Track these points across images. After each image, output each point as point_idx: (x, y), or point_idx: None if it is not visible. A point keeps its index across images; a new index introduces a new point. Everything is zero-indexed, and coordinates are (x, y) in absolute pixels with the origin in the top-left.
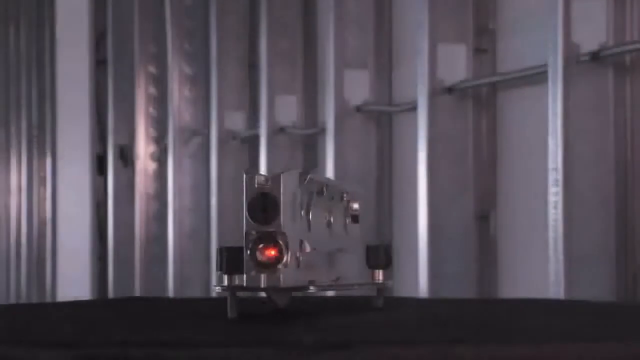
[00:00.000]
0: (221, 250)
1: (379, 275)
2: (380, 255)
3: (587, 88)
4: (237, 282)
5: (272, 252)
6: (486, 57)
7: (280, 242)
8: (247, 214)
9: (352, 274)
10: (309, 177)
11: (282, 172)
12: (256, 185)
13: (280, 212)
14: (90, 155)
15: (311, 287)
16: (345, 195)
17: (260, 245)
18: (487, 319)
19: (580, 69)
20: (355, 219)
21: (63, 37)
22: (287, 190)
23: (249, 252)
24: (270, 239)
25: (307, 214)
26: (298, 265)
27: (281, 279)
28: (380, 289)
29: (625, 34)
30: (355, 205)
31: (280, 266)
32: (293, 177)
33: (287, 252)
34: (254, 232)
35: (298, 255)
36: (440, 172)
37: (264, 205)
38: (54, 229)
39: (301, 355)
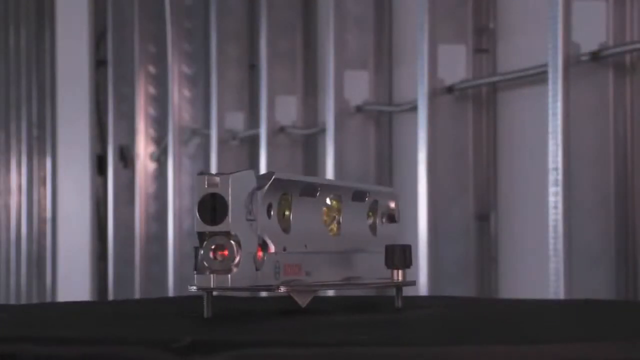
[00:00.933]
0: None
1: (399, 275)
2: (397, 255)
3: (587, 88)
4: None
5: (221, 253)
6: (486, 57)
7: (232, 243)
8: (197, 214)
9: (378, 274)
10: (273, 177)
11: (233, 173)
12: (206, 186)
13: (229, 212)
14: (90, 155)
15: (282, 288)
16: (368, 194)
17: (212, 246)
18: (490, 319)
19: (580, 69)
20: (391, 218)
21: (63, 37)
22: (238, 191)
23: (202, 252)
24: (219, 240)
25: (283, 214)
26: (258, 266)
27: (229, 280)
28: (399, 289)
29: (625, 34)
30: (392, 205)
31: (233, 266)
32: (247, 178)
33: (238, 253)
34: (203, 233)
35: (261, 255)
36: (440, 172)
37: (212, 206)
38: (54, 228)
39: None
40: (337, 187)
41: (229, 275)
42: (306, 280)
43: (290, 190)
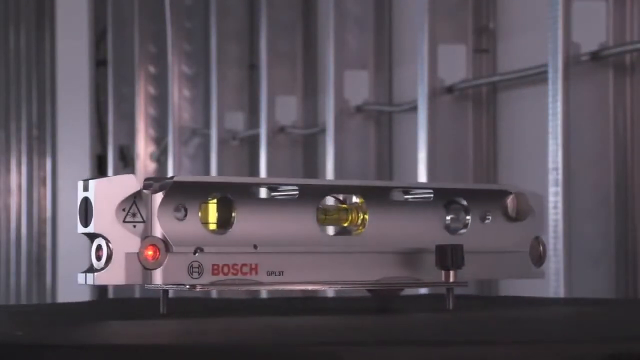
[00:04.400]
0: None
1: (449, 276)
2: (443, 255)
3: (587, 88)
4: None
5: (98, 253)
6: (486, 57)
7: (104, 243)
8: (78, 217)
9: (434, 274)
10: (172, 182)
11: (104, 177)
12: (81, 191)
13: (93, 214)
14: (90, 155)
15: (194, 287)
16: (432, 193)
17: (94, 247)
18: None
19: (580, 69)
20: (508, 217)
21: (63, 37)
22: (107, 195)
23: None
24: (98, 241)
25: (230, 216)
26: (149, 266)
27: (93, 278)
28: (450, 290)
29: (625, 34)
30: (511, 203)
31: (104, 265)
32: (123, 182)
33: (111, 253)
34: (86, 234)
35: (157, 255)
36: (440, 172)
37: (85, 209)
38: (54, 228)
39: None
40: (360, 187)
41: (94, 274)
42: (254, 280)
43: (235, 191)
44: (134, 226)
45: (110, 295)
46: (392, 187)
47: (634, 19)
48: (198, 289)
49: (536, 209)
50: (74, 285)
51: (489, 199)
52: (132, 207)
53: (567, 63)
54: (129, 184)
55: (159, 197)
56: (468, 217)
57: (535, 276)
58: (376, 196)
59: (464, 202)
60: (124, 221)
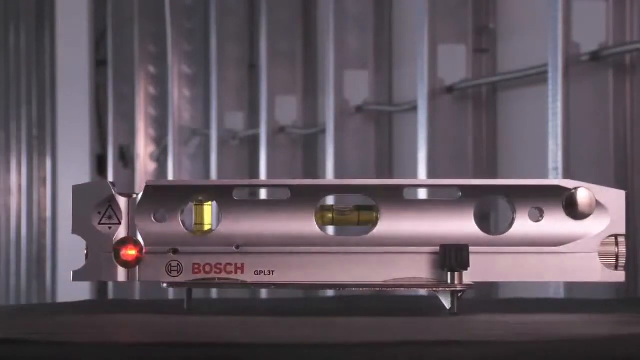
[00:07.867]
0: None
1: (454, 277)
2: (447, 255)
3: (587, 88)
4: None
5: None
6: (486, 57)
7: (87, 243)
8: None
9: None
10: (144, 186)
11: (82, 184)
12: (72, 194)
13: (72, 217)
14: (90, 155)
15: (171, 285)
16: (461, 191)
17: None
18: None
19: (580, 69)
20: (571, 215)
21: (63, 37)
22: (82, 199)
23: None
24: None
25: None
26: (125, 265)
27: (71, 276)
28: (454, 292)
29: (625, 34)
30: (568, 198)
31: (85, 263)
32: (96, 188)
33: (87, 253)
34: None
35: (135, 255)
36: (440, 172)
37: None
38: (54, 228)
39: None
40: (368, 186)
41: (72, 271)
42: (239, 279)
43: (213, 194)
44: (110, 228)
45: (110, 294)
46: (410, 186)
47: (633, 19)
48: (175, 286)
49: (613, 206)
50: (74, 285)
51: (541, 195)
52: (108, 210)
53: (567, 63)
54: (103, 189)
55: (132, 200)
56: (513, 215)
57: (609, 279)
58: (388, 195)
59: (507, 199)
60: (99, 223)
